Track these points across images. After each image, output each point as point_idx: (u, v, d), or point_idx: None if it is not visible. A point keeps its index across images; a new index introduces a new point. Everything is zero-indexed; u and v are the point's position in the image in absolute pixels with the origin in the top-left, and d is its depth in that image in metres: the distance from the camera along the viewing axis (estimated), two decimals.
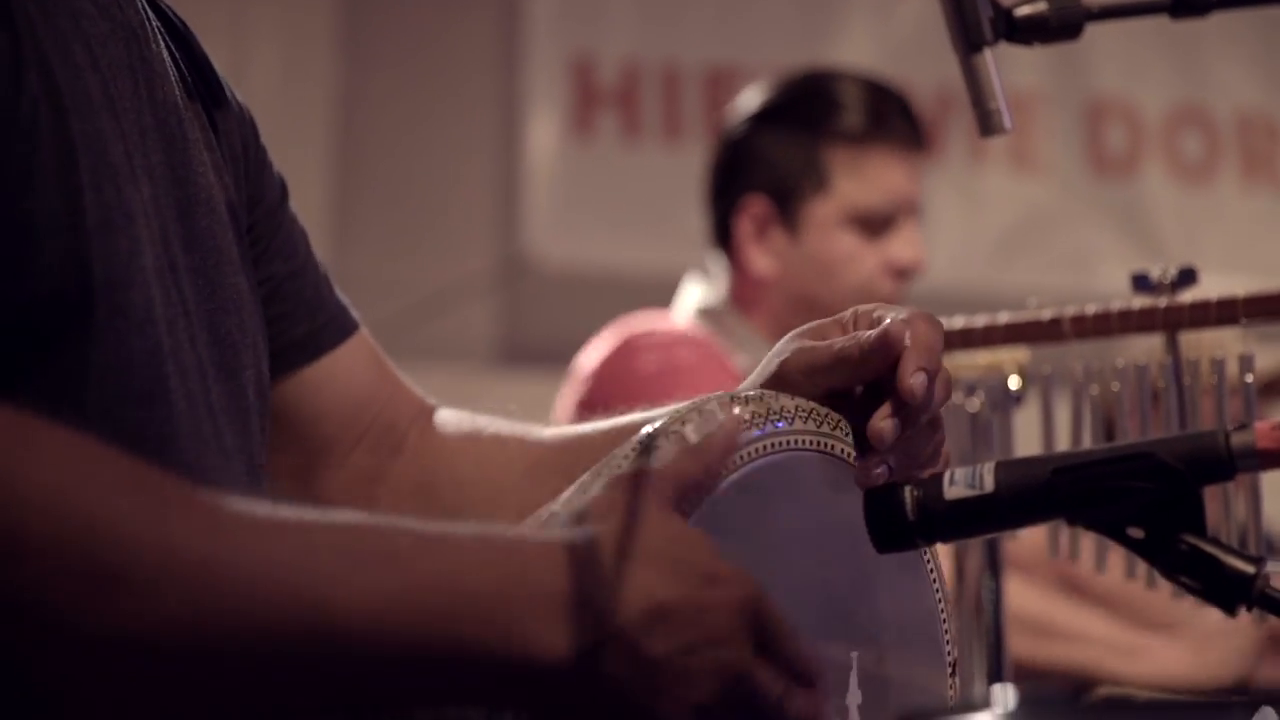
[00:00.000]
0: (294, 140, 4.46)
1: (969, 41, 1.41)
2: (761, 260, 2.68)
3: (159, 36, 1.26)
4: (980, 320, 1.73)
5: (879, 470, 1.22)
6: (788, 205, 2.67)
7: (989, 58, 1.42)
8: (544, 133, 4.79)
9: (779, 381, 1.27)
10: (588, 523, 1.04)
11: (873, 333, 1.23)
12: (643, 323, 2.67)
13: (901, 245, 2.67)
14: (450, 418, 1.51)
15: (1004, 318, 1.73)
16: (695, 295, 2.76)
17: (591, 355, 2.64)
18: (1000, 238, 4.97)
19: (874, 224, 2.66)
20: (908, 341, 1.21)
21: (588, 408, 2.44)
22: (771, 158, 2.68)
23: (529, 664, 0.99)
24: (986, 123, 1.42)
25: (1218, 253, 4.89)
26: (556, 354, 2.98)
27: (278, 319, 1.38)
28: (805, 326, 1.30)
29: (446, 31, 4.87)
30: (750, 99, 2.75)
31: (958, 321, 1.73)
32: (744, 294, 2.72)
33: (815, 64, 3.01)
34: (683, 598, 1.01)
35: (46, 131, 1.07)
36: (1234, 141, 5.15)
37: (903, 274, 2.67)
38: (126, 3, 1.22)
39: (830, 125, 2.66)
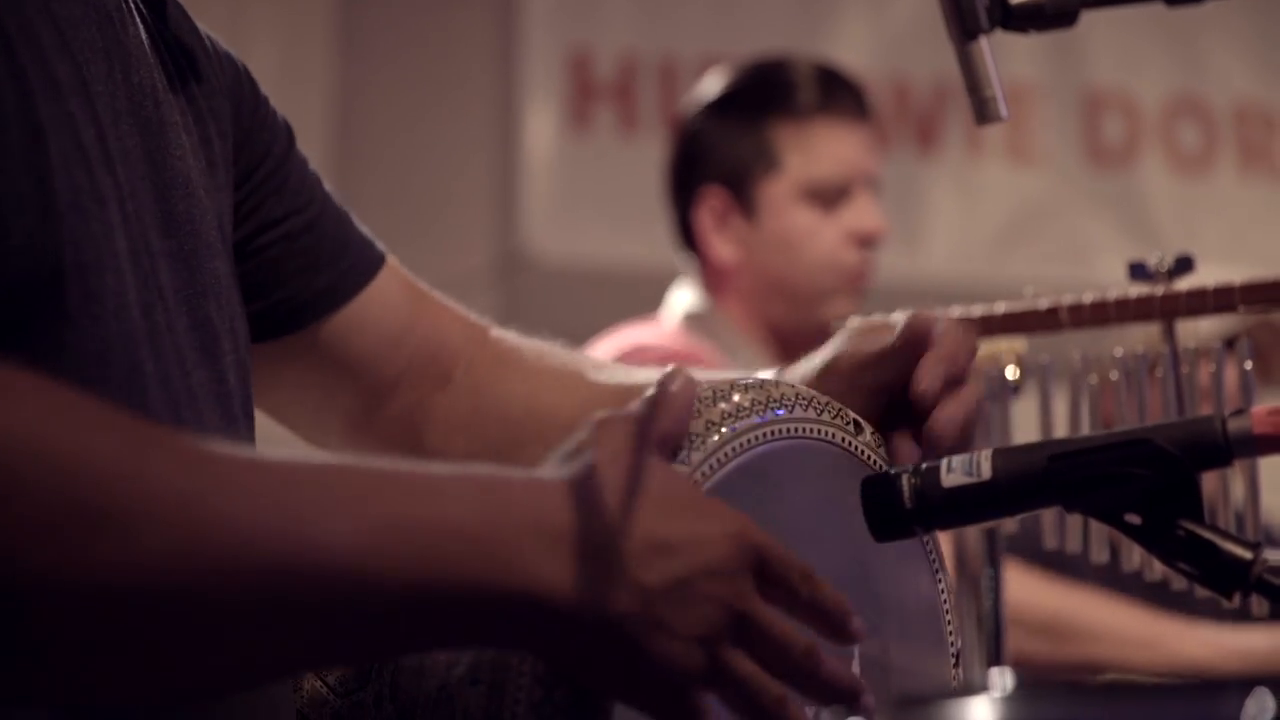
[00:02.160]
0: None
1: (965, 29, 1.40)
2: (725, 249, 2.71)
3: (137, 17, 1.24)
4: (977, 310, 1.74)
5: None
6: (742, 190, 2.71)
7: (985, 46, 1.42)
8: (541, 127, 4.79)
9: (829, 374, 1.30)
10: (576, 460, 1.03)
11: (902, 322, 1.27)
12: (631, 337, 2.68)
13: (858, 214, 2.70)
14: (505, 340, 1.49)
15: (1001, 308, 1.73)
16: (683, 300, 2.78)
17: None
18: (998, 229, 4.97)
19: (828, 196, 2.69)
20: (934, 340, 1.25)
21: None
22: (722, 147, 2.72)
23: (529, 598, 0.98)
24: (982, 110, 1.41)
25: (1215, 243, 4.89)
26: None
27: (301, 271, 1.37)
28: (865, 322, 1.33)
29: (443, 27, 4.87)
30: (697, 95, 2.79)
31: (955, 311, 1.73)
32: (717, 289, 2.74)
33: (807, 55, 3.03)
34: (680, 531, 1.01)
35: (13, 114, 1.06)
36: (1231, 132, 5.14)
37: (865, 242, 2.70)
38: None
39: (774, 105, 2.70)
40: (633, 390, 1.39)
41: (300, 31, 4.75)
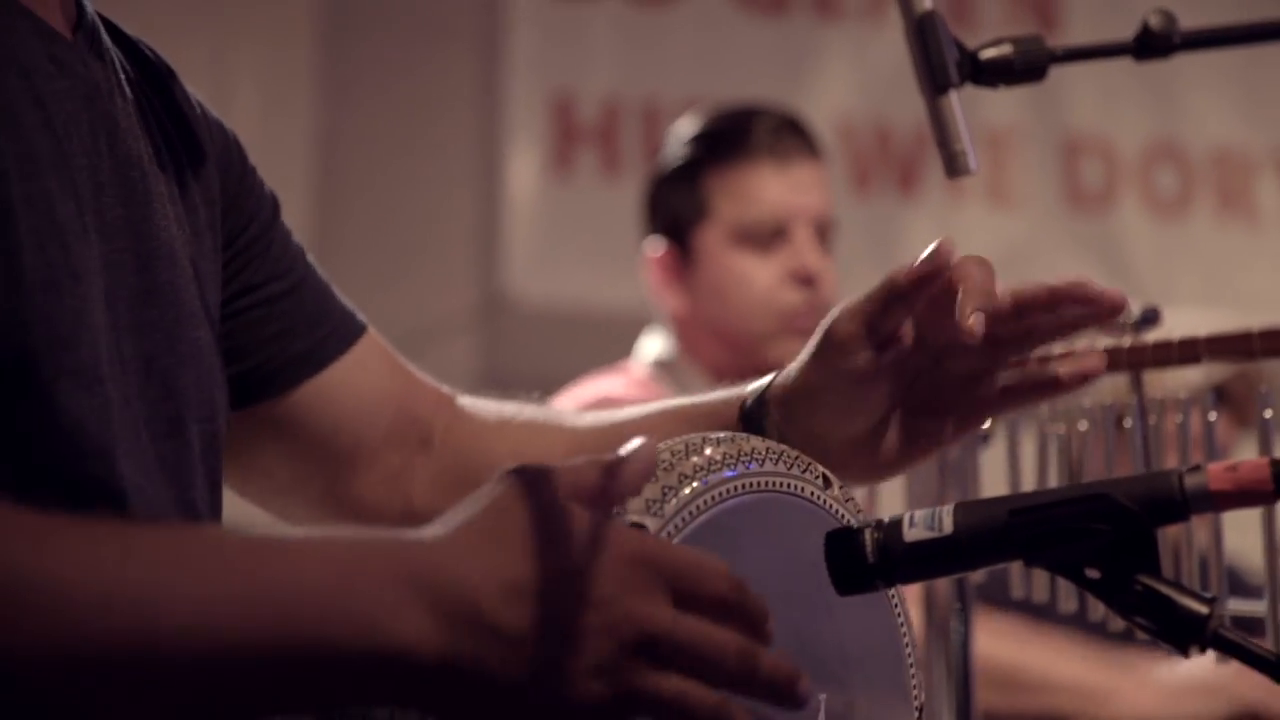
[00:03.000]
0: (274, 178, 4.44)
1: (935, 84, 1.42)
2: (673, 300, 2.74)
3: (124, 88, 1.26)
4: None
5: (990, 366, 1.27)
6: (682, 241, 2.74)
7: (954, 100, 1.43)
8: (524, 169, 4.81)
9: (829, 347, 1.29)
10: (458, 515, 1.02)
11: (920, 256, 1.26)
12: (596, 388, 2.70)
13: (794, 253, 2.71)
14: (476, 404, 1.50)
15: None
16: (653, 347, 2.80)
17: None
18: None
19: (761, 238, 2.72)
20: (962, 286, 1.25)
21: None
22: (665, 201, 2.77)
23: (394, 655, 0.96)
24: (952, 164, 1.43)
25: (1193, 286, 4.92)
26: (536, 390, 2.98)
27: (279, 336, 1.39)
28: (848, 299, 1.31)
29: (426, 68, 4.88)
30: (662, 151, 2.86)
31: None
32: (681, 336, 2.77)
33: (787, 104, 3.05)
34: (541, 570, 0.97)
35: None
36: (1209, 177, 5.17)
37: (805, 281, 2.70)
38: (90, 56, 1.23)
39: (704, 155, 2.74)
40: (614, 429, 1.40)
41: (282, 73, 4.77)
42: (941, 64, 1.39)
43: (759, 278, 2.70)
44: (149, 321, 1.21)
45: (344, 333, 1.44)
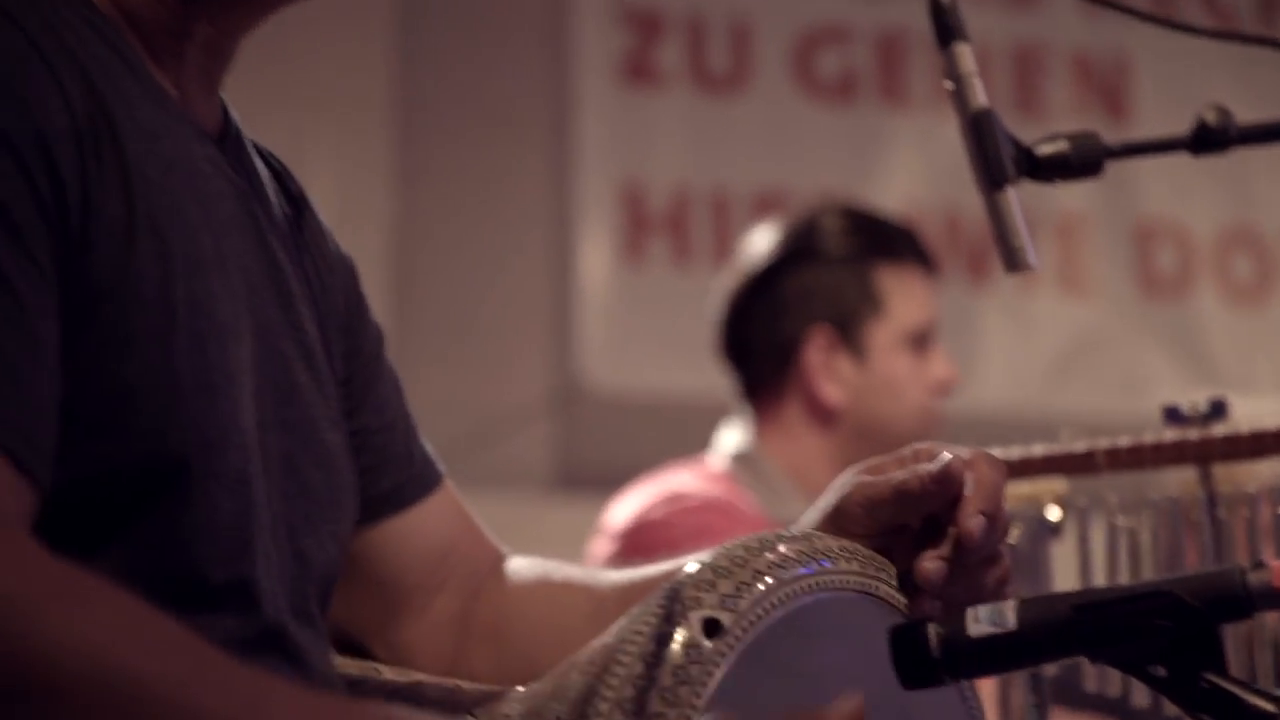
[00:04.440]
0: None
1: (992, 180, 1.42)
2: (830, 389, 2.71)
3: (267, 191, 1.30)
4: (1015, 452, 1.74)
5: (929, 610, 1.23)
6: (850, 332, 2.72)
7: (1012, 196, 1.43)
8: (595, 259, 4.83)
9: (839, 515, 1.29)
10: None
11: (933, 467, 1.26)
12: (670, 482, 2.69)
13: (940, 363, 2.73)
14: (522, 563, 1.53)
15: (1039, 450, 1.74)
16: (730, 441, 2.79)
17: (622, 512, 2.67)
18: (1051, 361, 4.96)
19: (920, 343, 2.73)
20: (969, 481, 1.23)
21: (616, 566, 2.49)
22: (827, 288, 2.73)
23: None
24: (1011, 260, 1.42)
25: (1271, 373, 4.88)
26: (611, 480, 3.00)
27: (366, 471, 1.40)
28: (865, 463, 1.32)
29: (499, 157, 4.93)
30: (773, 239, 2.80)
31: (994, 453, 1.74)
32: (767, 431, 2.74)
33: (856, 193, 3.07)
34: None
35: (151, 294, 1.10)
36: None
37: (943, 391, 2.73)
38: (238, 160, 1.26)
39: (878, 251, 2.74)
40: (642, 585, 1.42)
41: (360, 162, 4.83)
42: (998, 160, 1.39)
43: (918, 381, 2.73)
44: (289, 420, 1.24)
45: (426, 478, 1.46)
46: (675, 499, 2.62)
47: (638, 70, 4.89)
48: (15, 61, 1.05)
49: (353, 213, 4.65)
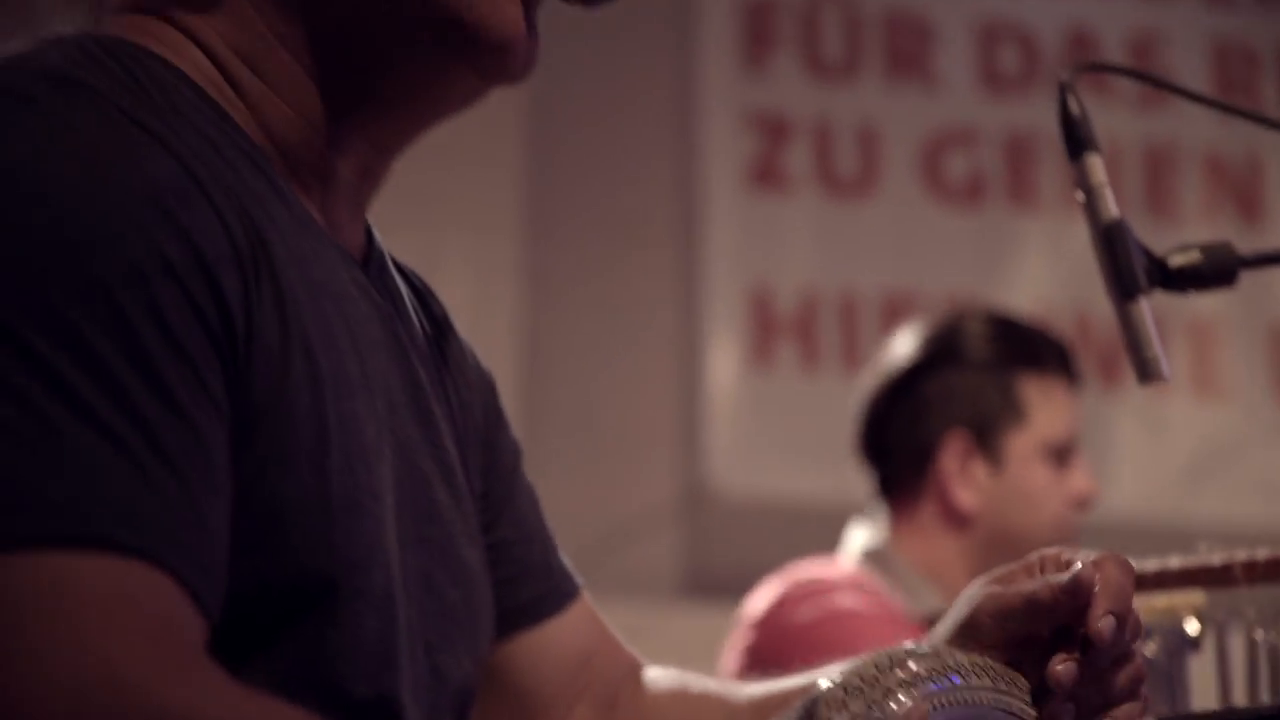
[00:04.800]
0: None
1: (1124, 291, 1.42)
2: (965, 495, 2.71)
3: (409, 311, 1.32)
4: (1151, 564, 1.72)
5: (1062, 714, 1.22)
6: (988, 439, 2.71)
7: (1145, 306, 1.43)
8: (723, 363, 4.84)
9: (970, 628, 1.29)
10: None
11: (1064, 577, 1.25)
12: (807, 570, 2.70)
13: (1080, 476, 2.72)
14: (659, 674, 1.53)
15: (1175, 562, 1.71)
16: (860, 538, 2.78)
17: (757, 603, 2.68)
18: (1185, 466, 4.89)
19: (1061, 455, 2.72)
20: (1098, 586, 1.23)
21: (753, 655, 2.49)
22: (968, 393, 2.73)
23: None
24: (1144, 370, 1.42)
25: None
26: (740, 586, 2.99)
27: (504, 583, 1.41)
28: (994, 572, 1.32)
29: (627, 263, 4.96)
30: (916, 341, 2.80)
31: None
32: (909, 535, 2.74)
33: (986, 296, 3.06)
34: None
35: (305, 416, 1.12)
36: None
37: (1083, 505, 2.71)
38: (381, 282, 1.28)
39: (1022, 360, 2.73)
40: (777, 698, 1.42)
41: (490, 267, 4.88)
42: (1130, 272, 1.39)
43: (1056, 494, 2.71)
44: (429, 538, 1.25)
45: (563, 591, 1.47)
46: (812, 583, 2.62)
47: (765, 174, 4.92)
48: (175, 191, 1.07)
49: (483, 318, 4.70)
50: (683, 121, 4.96)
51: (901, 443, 2.78)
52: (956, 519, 2.71)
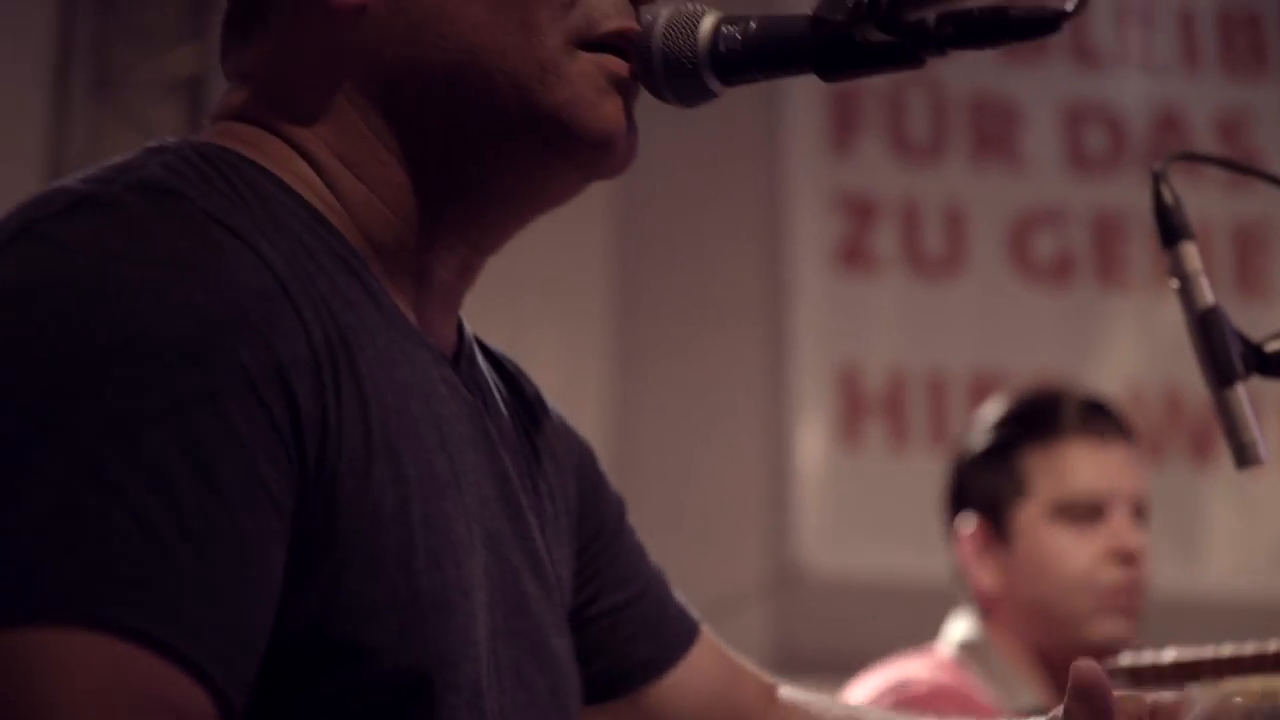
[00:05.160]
0: None
1: (1220, 376, 1.42)
2: (987, 578, 2.72)
3: (498, 406, 1.33)
4: (1249, 648, 1.72)
5: None
6: (998, 519, 2.72)
7: (1241, 391, 1.43)
8: (812, 442, 4.85)
9: None
10: None
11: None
12: (902, 669, 2.69)
13: (1114, 531, 2.68)
14: (795, 695, 1.55)
15: (1275, 646, 1.71)
16: (959, 628, 2.78)
17: (853, 697, 2.67)
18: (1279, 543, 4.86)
19: (1081, 514, 2.69)
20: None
21: None
22: (977, 480, 2.75)
23: None
24: (1242, 455, 1.42)
25: None
26: (831, 664, 3.00)
27: (625, 642, 1.44)
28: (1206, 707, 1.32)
29: (715, 345, 4.99)
30: (969, 428, 2.85)
31: (1226, 650, 1.72)
32: (987, 617, 2.74)
33: (1075, 374, 3.06)
34: None
35: (390, 517, 1.13)
36: None
37: (1126, 559, 2.66)
38: (471, 378, 1.30)
39: (1022, 433, 2.73)
40: None
41: (579, 348, 4.91)
42: (1226, 358, 1.40)
43: (1078, 555, 2.68)
44: (518, 630, 1.26)
45: (684, 635, 1.49)
46: (902, 686, 2.61)
47: (853, 255, 4.94)
48: (260, 298, 1.09)
49: (572, 398, 4.70)
50: (771, 203, 5.00)
51: (949, 529, 2.81)
52: (988, 605, 2.72)
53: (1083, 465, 2.72)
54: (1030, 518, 2.71)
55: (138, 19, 5.05)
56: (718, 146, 4.98)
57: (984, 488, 2.76)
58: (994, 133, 5.05)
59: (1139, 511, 2.74)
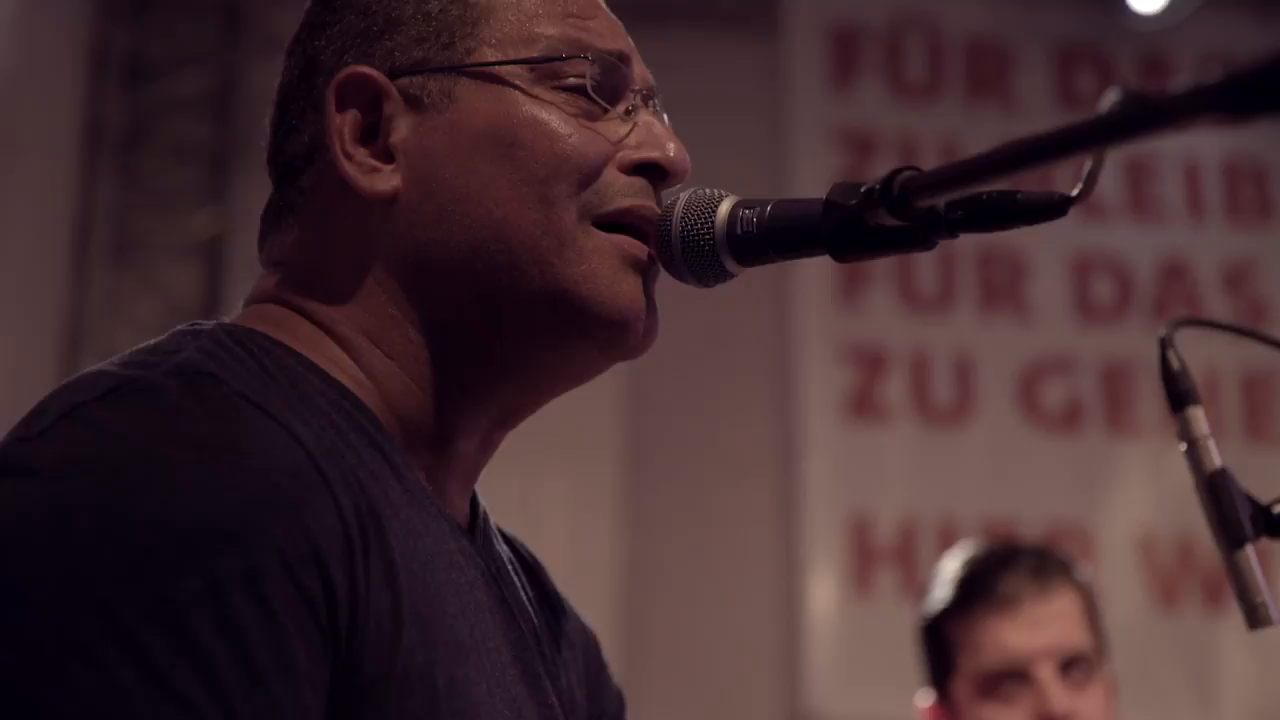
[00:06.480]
0: (581, 602, 4.56)
1: (1231, 540, 1.44)
2: None
3: (511, 575, 1.37)
4: None
5: None
6: (942, 694, 2.71)
7: (1251, 553, 1.45)
8: (823, 591, 4.85)
9: None
10: None
11: None
12: None
13: (1036, 698, 2.64)
14: None
15: None
16: None
17: None
18: None
19: (1004, 683, 2.66)
20: None
21: None
22: (923, 653, 2.74)
23: None
24: (1253, 617, 1.44)
25: None
26: None
27: None
28: None
29: (725, 495, 5.00)
30: None
31: None
32: None
33: (1085, 522, 3.06)
34: None
35: (417, 680, 1.16)
36: None
37: None
38: (485, 549, 1.34)
39: (948, 607, 2.70)
40: None
41: (590, 499, 4.93)
42: (1235, 520, 1.41)
43: None
44: None
45: None
46: None
47: (862, 406, 4.97)
48: (293, 476, 1.12)
49: (582, 552, 4.74)
50: (781, 356, 5.03)
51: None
52: None
53: (992, 635, 2.66)
54: (964, 692, 2.69)
55: (157, 183, 5.13)
56: (728, 298, 5.01)
57: (927, 663, 2.76)
58: (1002, 283, 5.10)
59: (1070, 664, 2.70)
